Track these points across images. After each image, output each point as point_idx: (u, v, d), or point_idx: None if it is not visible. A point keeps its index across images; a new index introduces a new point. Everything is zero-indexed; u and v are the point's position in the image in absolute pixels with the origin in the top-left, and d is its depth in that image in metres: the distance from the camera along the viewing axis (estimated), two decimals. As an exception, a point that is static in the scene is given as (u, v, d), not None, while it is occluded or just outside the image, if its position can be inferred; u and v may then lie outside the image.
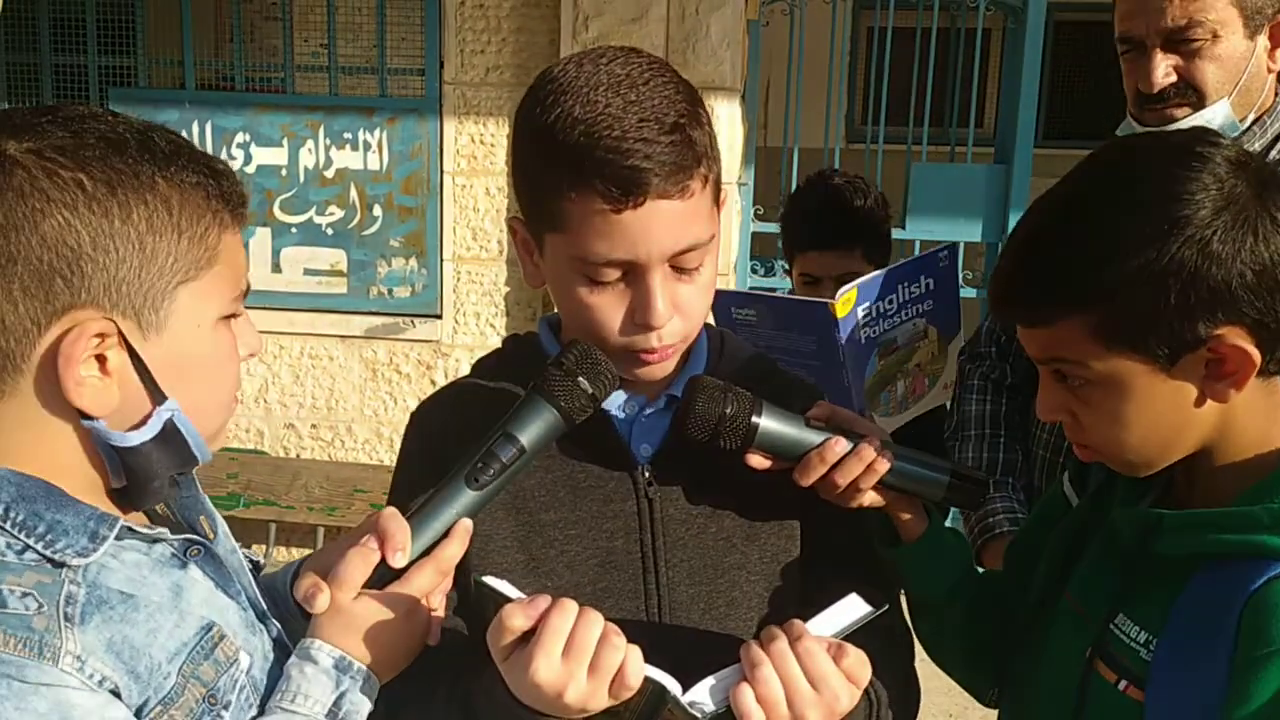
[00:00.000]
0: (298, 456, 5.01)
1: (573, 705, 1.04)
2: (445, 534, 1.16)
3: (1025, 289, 1.17)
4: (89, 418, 0.99)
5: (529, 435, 1.18)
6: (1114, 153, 1.19)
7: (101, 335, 0.97)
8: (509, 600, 1.07)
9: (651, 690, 1.06)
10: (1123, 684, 1.16)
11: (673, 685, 1.07)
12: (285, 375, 4.95)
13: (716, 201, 1.25)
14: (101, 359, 0.98)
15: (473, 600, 1.24)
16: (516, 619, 1.05)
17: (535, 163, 1.20)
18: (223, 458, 4.86)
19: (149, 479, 1.04)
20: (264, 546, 4.99)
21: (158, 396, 1.01)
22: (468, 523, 1.17)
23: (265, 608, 1.17)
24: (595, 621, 1.05)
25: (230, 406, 1.11)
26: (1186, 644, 1.11)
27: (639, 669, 1.04)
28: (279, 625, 1.18)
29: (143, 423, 1.01)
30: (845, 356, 2.14)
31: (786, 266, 2.79)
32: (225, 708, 1.04)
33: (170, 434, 1.03)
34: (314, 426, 5.00)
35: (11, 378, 0.98)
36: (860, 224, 2.55)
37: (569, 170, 1.14)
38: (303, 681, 1.08)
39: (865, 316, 2.17)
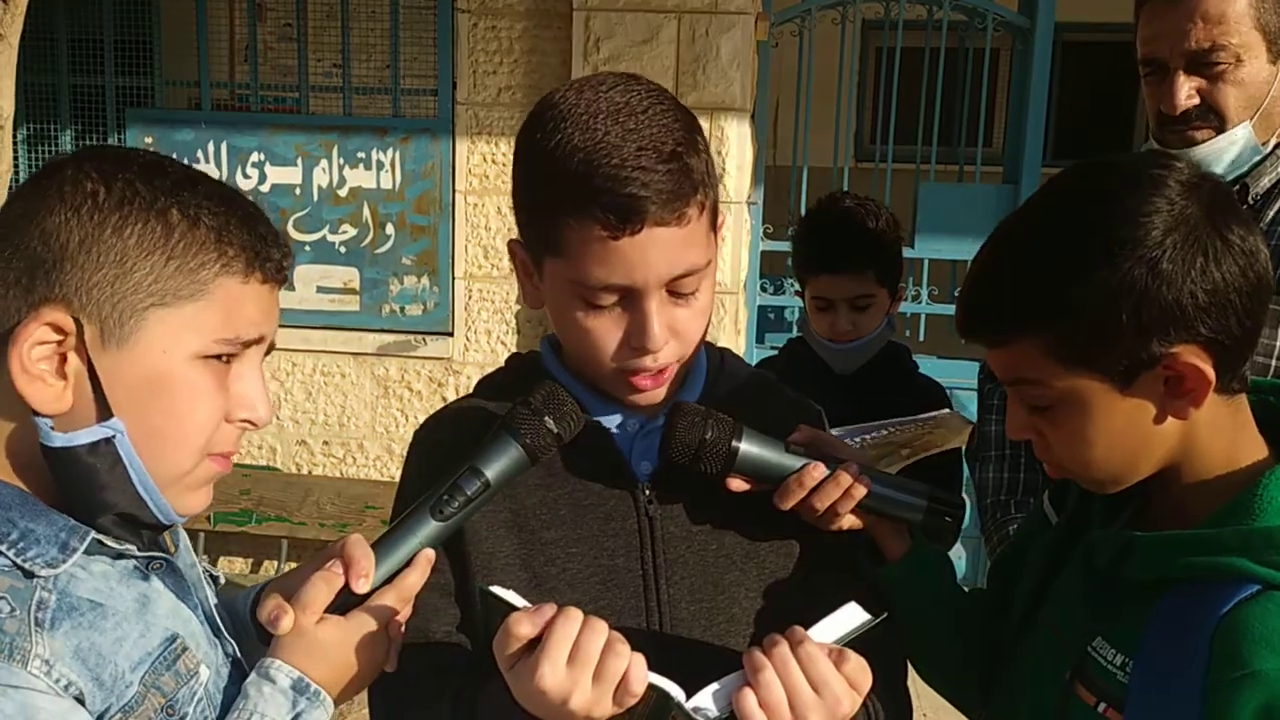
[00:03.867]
0: (309, 473, 5.04)
1: (578, 712, 1.05)
2: (408, 562, 1.18)
3: (983, 309, 1.20)
4: (37, 415, 1.00)
5: (494, 470, 1.21)
6: (1070, 176, 1.20)
7: (60, 330, 0.99)
8: (514, 609, 1.09)
9: (656, 697, 1.07)
10: (1102, 706, 1.17)
11: (676, 692, 1.08)
12: (298, 392, 4.98)
13: (714, 227, 1.26)
14: (64, 360, 1.00)
15: (478, 609, 1.26)
16: (522, 627, 1.06)
17: (535, 188, 1.22)
18: (235, 474, 4.88)
19: (80, 496, 1.02)
20: (275, 563, 5.01)
21: (104, 411, 1.00)
22: (430, 552, 1.19)
23: (220, 624, 1.18)
24: (600, 629, 1.06)
25: (191, 453, 1.06)
26: (1160, 667, 1.12)
27: (643, 676, 1.06)
28: (234, 643, 1.19)
29: (79, 431, 1.00)
30: None
31: (798, 287, 2.79)
32: (182, 719, 1.06)
33: (106, 455, 1.01)
34: (326, 443, 5.03)
35: None
36: (872, 247, 2.55)
37: (568, 197, 1.16)
38: (260, 700, 1.10)
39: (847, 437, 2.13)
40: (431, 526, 1.19)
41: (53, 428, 1.00)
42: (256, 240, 1.06)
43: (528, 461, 1.23)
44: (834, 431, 1.91)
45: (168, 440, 1.04)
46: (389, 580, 1.17)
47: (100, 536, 1.04)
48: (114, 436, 1.01)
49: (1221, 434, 1.16)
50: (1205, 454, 1.17)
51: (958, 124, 5.00)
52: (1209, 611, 1.08)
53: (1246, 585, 1.08)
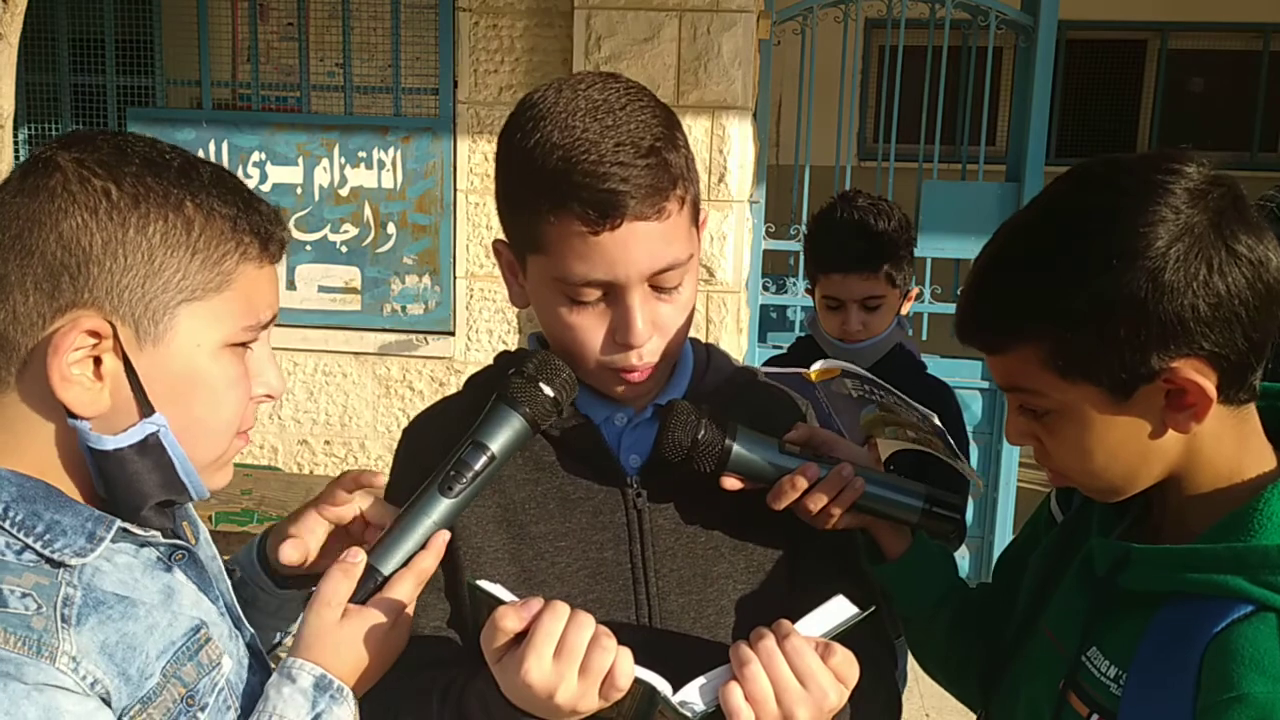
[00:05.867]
0: (311, 473, 5.03)
1: (563, 706, 1.05)
2: (424, 544, 1.19)
3: (981, 316, 1.17)
4: (76, 417, 1.00)
5: (498, 442, 1.21)
6: (1074, 179, 1.17)
7: (96, 334, 0.99)
8: (502, 603, 1.08)
9: (642, 691, 1.07)
10: (1095, 718, 1.15)
11: (663, 686, 1.08)
12: (299, 391, 4.98)
13: (695, 222, 1.27)
14: (98, 362, 1.00)
15: (466, 604, 1.26)
16: (509, 621, 1.06)
17: (516, 187, 1.23)
18: (237, 473, 4.87)
19: (128, 493, 1.04)
20: (277, 562, 5.00)
21: (145, 408, 1.02)
22: (445, 534, 1.20)
23: (240, 614, 1.19)
24: (586, 623, 1.06)
25: (227, 437, 1.09)
26: (1152, 684, 1.10)
27: (629, 670, 1.06)
28: (252, 631, 1.20)
29: (127, 431, 1.01)
30: (829, 408, 2.07)
31: (809, 285, 2.78)
32: (202, 709, 1.06)
33: (153, 450, 1.03)
34: (327, 443, 5.03)
35: (15, 369, 1.00)
36: (884, 247, 2.55)
37: (548, 194, 1.16)
38: (279, 702, 1.10)
39: (854, 385, 2.10)
40: (443, 505, 1.19)
41: (90, 428, 1.01)
42: (264, 222, 1.08)
43: (529, 430, 1.23)
44: (841, 365, 1.88)
45: (207, 428, 1.06)
46: (405, 563, 1.18)
47: (126, 525, 1.04)
48: (158, 431, 1.03)
49: (1226, 444, 1.14)
50: (1208, 465, 1.14)
51: (961, 122, 4.99)
52: (1202, 630, 1.06)
53: (1240, 604, 1.05)
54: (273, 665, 1.17)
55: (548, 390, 1.22)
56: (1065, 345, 1.09)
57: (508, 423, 1.21)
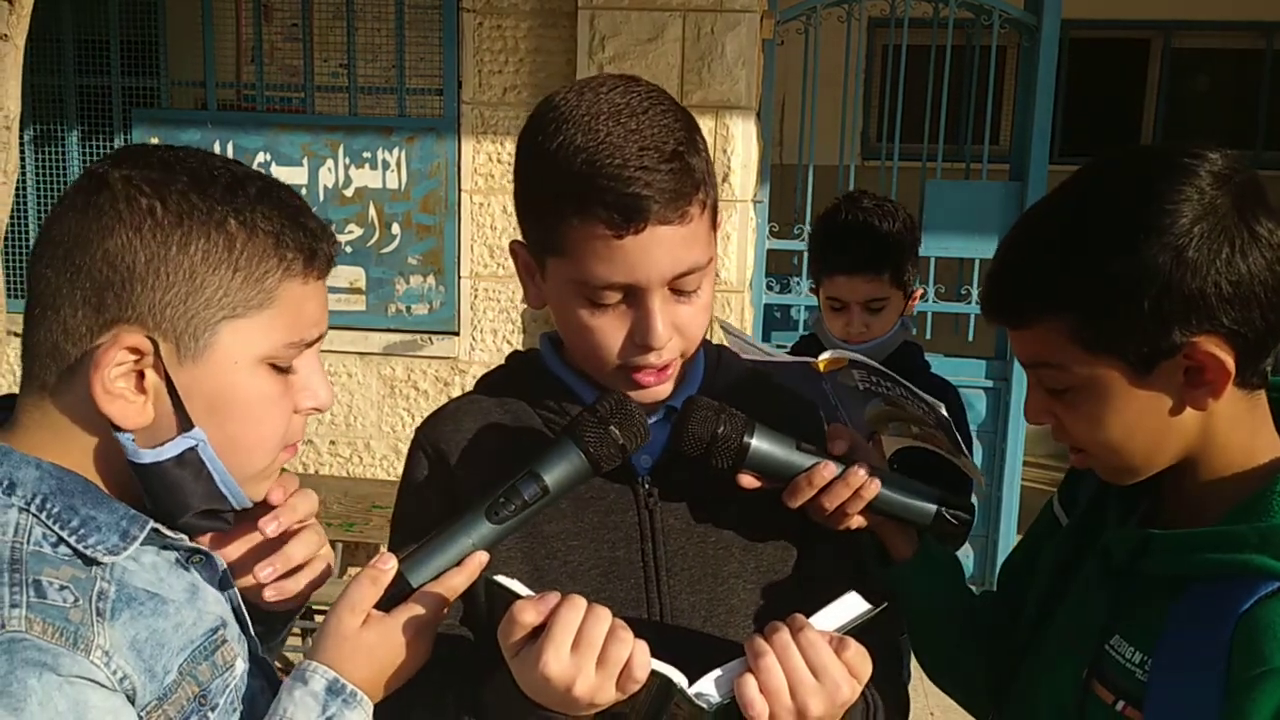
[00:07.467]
0: (316, 473, 5.04)
1: (581, 699, 1.05)
2: (458, 562, 1.19)
3: (1007, 290, 1.20)
4: (120, 430, 1.02)
5: (554, 476, 1.21)
6: (1104, 163, 1.20)
7: (138, 350, 1.00)
8: (519, 597, 1.09)
9: (658, 683, 1.08)
10: (1121, 705, 1.17)
11: (679, 678, 1.09)
12: (304, 392, 4.98)
13: (714, 225, 1.27)
14: (141, 376, 1.01)
15: (483, 599, 1.26)
16: (527, 614, 1.07)
17: (538, 189, 1.23)
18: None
19: (169, 502, 1.05)
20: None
21: (184, 423, 1.03)
22: (483, 556, 1.20)
23: (247, 620, 1.20)
24: (603, 616, 1.07)
25: (270, 452, 1.10)
26: (1180, 665, 1.11)
27: (646, 662, 1.06)
28: (255, 639, 1.21)
29: (165, 445, 1.03)
30: (836, 400, 2.06)
31: (813, 285, 2.79)
32: (213, 709, 1.07)
33: (192, 463, 1.04)
34: (332, 443, 5.03)
35: (67, 380, 1.02)
36: (888, 249, 2.55)
37: (571, 197, 1.17)
38: (290, 705, 1.11)
39: (860, 377, 2.09)
40: (486, 528, 1.20)
41: (134, 440, 1.02)
42: (309, 237, 1.08)
43: (589, 470, 1.23)
44: (849, 356, 1.88)
45: (246, 444, 1.08)
46: (435, 578, 1.18)
47: (158, 526, 1.06)
48: (197, 445, 1.04)
49: (1240, 429, 1.16)
50: (1223, 449, 1.16)
51: (964, 121, 4.98)
52: (1229, 608, 1.08)
53: (1266, 582, 1.07)
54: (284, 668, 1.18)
55: (617, 435, 1.22)
56: (1091, 318, 1.12)
57: (568, 459, 1.21)
